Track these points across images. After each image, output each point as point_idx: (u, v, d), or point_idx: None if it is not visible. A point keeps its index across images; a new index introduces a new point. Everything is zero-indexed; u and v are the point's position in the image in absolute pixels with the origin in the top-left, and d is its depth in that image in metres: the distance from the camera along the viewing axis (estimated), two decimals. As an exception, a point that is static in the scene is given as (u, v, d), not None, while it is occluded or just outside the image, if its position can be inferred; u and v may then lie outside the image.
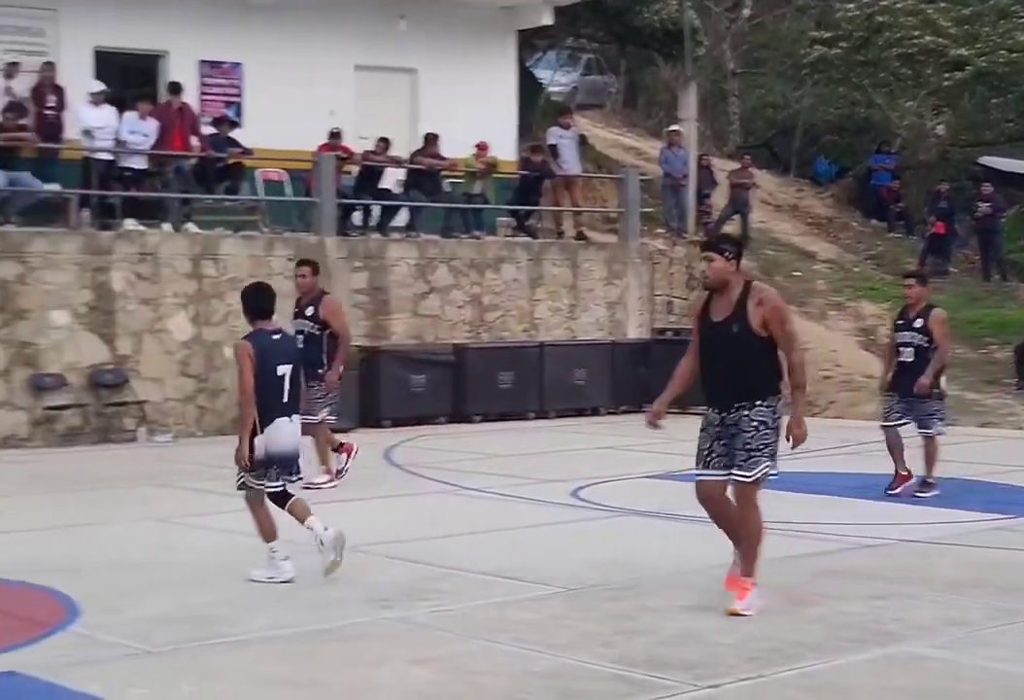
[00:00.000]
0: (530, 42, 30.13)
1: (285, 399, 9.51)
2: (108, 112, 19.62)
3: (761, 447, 8.49)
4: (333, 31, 23.07)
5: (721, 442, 8.61)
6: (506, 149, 24.10)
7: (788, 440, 8.61)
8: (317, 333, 13.89)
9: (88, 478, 14.51)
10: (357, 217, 21.71)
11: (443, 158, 21.89)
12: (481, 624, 8.20)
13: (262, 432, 9.38)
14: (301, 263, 14.51)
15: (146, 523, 11.95)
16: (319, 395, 13.63)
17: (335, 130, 21.16)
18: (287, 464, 9.56)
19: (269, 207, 21.02)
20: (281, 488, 9.62)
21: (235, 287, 18.75)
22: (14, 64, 20.19)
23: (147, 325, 18.24)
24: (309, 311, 13.96)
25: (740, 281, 8.66)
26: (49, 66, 20.36)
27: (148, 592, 9.24)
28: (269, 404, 9.38)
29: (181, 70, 21.80)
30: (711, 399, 8.72)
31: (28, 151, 18.90)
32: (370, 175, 21.49)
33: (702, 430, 8.73)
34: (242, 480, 9.59)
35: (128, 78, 21.96)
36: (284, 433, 9.50)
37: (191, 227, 19.40)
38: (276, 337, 9.59)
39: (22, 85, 20.20)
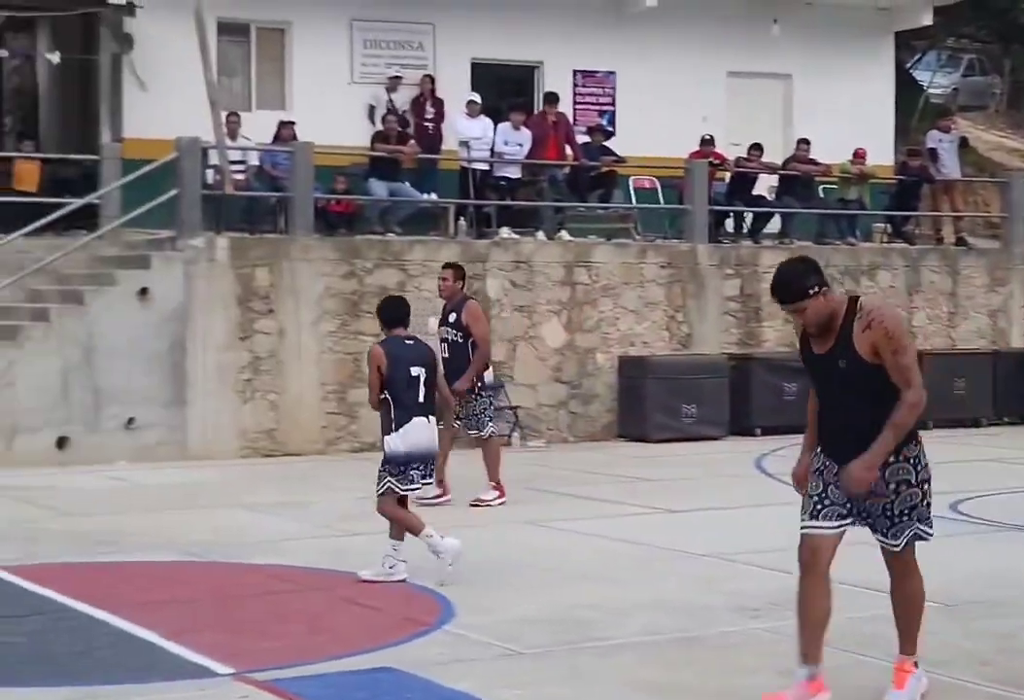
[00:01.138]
0: (908, 43, 29.45)
1: (421, 399, 9.75)
2: (484, 123, 20.04)
3: (907, 511, 6.69)
4: (706, 37, 23.00)
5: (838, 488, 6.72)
6: (883, 153, 23.61)
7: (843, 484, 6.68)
8: (460, 341, 13.12)
9: (464, 481, 14.76)
10: (729, 224, 21.57)
11: (817, 164, 21.55)
12: (851, 638, 7.97)
13: (398, 430, 9.60)
14: (445, 266, 13.77)
15: (519, 526, 12.09)
16: (479, 409, 13.15)
17: (707, 137, 21.07)
18: (426, 463, 9.73)
19: (641, 215, 21.08)
20: (419, 489, 9.83)
21: (608, 294, 18.93)
22: (396, 78, 20.86)
23: (521, 332, 18.50)
24: (452, 317, 13.22)
25: (842, 302, 6.67)
26: (428, 79, 20.94)
27: (519, 594, 9.33)
28: (406, 403, 9.68)
29: (555, 80, 22.11)
30: (826, 449, 6.82)
31: (408, 162, 19.44)
32: (743, 181, 21.30)
33: (814, 470, 6.82)
34: (387, 485, 9.65)
35: (503, 89, 22.36)
36: (421, 432, 9.68)
37: (564, 235, 19.61)
38: (409, 342, 9.93)
39: (402, 98, 20.84)
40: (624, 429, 18.78)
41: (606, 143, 20.94)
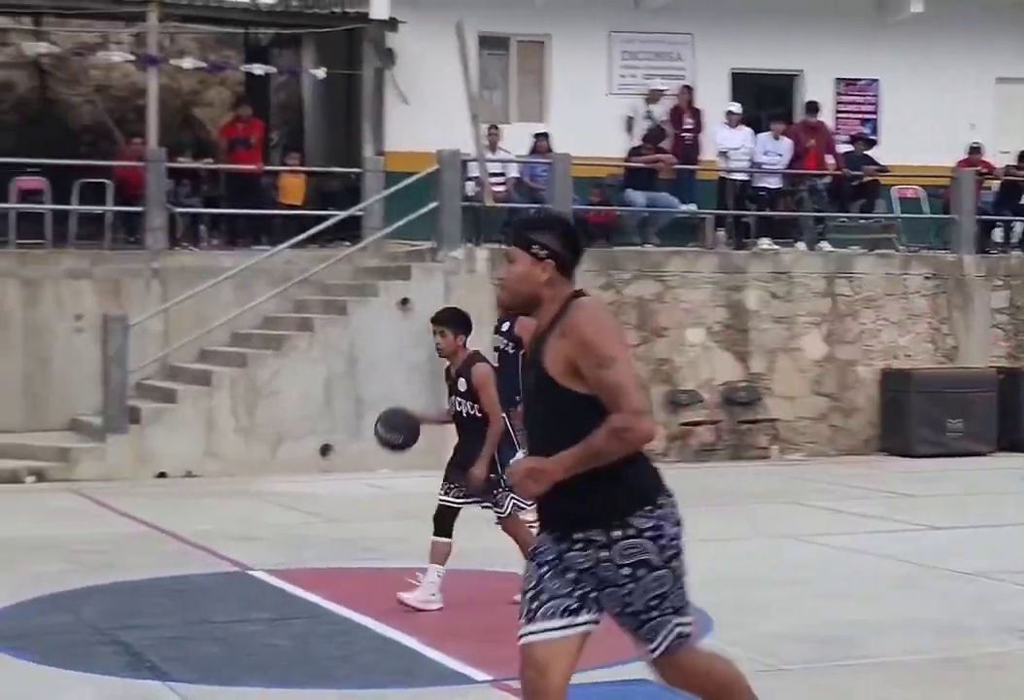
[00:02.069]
0: None
1: None
2: (744, 133, 19.89)
3: (654, 603, 4.99)
4: (973, 43, 22.41)
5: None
6: None
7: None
8: (512, 351, 12.01)
9: (722, 494, 14.64)
10: (997, 234, 21.00)
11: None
12: None
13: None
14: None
15: (778, 540, 11.92)
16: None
17: (975, 145, 20.54)
18: None
19: (905, 225, 20.63)
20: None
21: (870, 306, 18.56)
22: (658, 90, 20.82)
23: (780, 343, 18.26)
24: (504, 326, 11.12)
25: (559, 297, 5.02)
26: (687, 90, 20.87)
27: (776, 608, 9.19)
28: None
29: (816, 89, 21.81)
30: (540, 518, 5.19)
31: (666, 172, 19.37)
32: (1012, 190, 20.72)
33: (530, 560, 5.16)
34: (513, 503, 9.00)
35: (763, 98, 22.16)
36: None
37: (825, 246, 19.31)
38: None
39: (661, 109, 20.81)
40: (886, 443, 18.38)
41: (868, 152, 20.59)
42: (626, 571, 4.94)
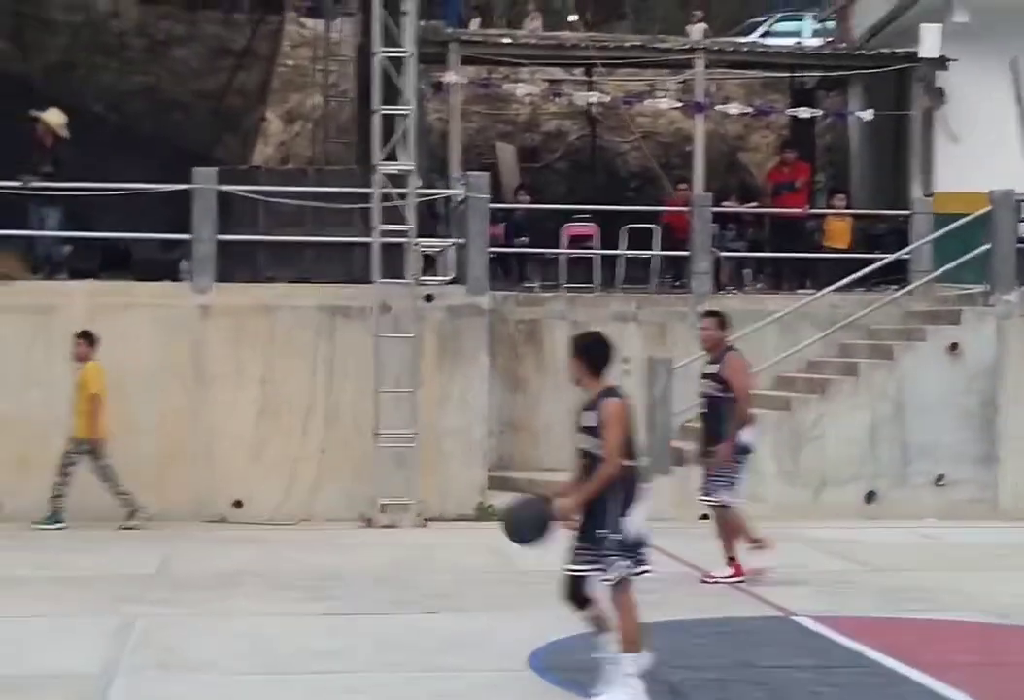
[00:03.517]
0: None
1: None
2: None
3: None
4: None
5: None
6: None
7: None
8: (719, 395, 11.83)
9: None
10: None
11: None
12: None
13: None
14: (705, 315, 12.44)
15: None
16: (717, 471, 11.80)
17: None
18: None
19: None
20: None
21: None
22: None
23: None
24: (711, 369, 11.95)
25: None
26: None
27: None
28: (635, 475, 7.74)
29: None
30: None
31: None
32: None
33: None
34: (619, 570, 7.63)
35: None
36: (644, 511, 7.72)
37: None
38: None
39: None
40: None
41: None
42: None
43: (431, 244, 16.17)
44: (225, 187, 15.66)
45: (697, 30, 26.39)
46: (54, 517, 14.36)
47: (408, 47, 15.53)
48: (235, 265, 15.86)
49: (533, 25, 26.84)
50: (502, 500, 13.96)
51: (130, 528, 14.32)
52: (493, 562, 12.11)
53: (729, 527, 11.87)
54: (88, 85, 19.97)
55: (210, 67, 21.01)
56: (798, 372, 17.13)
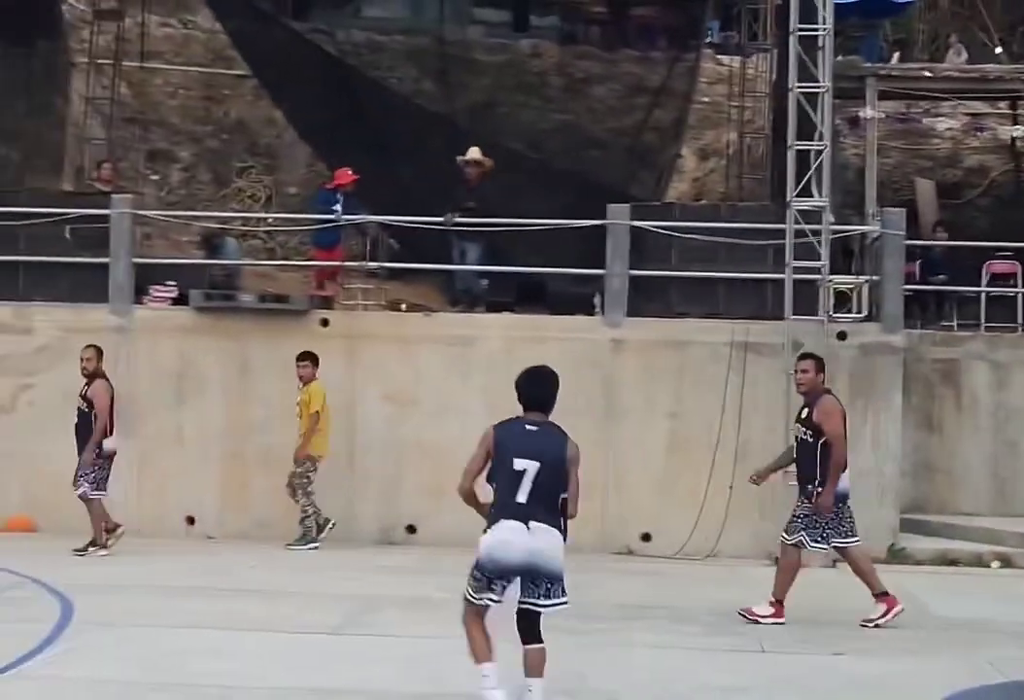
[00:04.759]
0: None
1: (522, 499, 7.96)
2: None
3: None
4: None
5: None
6: None
7: None
8: (810, 440, 11.51)
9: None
10: None
11: None
12: None
13: (487, 529, 8.04)
14: (802, 357, 12.16)
15: None
16: (802, 514, 11.50)
17: None
18: (503, 576, 7.98)
19: None
20: (490, 605, 8.04)
21: None
22: None
23: None
24: (804, 413, 11.69)
25: None
26: None
27: None
28: (502, 500, 8.02)
29: None
30: None
31: None
32: None
33: None
34: (465, 590, 8.15)
35: None
36: (501, 537, 7.95)
37: None
38: (531, 428, 8.16)
39: None
40: None
41: None
42: None
43: (844, 281, 15.93)
44: (637, 223, 15.84)
45: None
46: (305, 538, 15.13)
47: (824, 82, 15.40)
48: (647, 300, 16.00)
49: (959, 59, 26.18)
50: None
51: (302, 546, 14.98)
52: (905, 606, 11.80)
53: (858, 568, 11.83)
54: (508, 123, 20.50)
55: (627, 105, 21.25)
56: None
